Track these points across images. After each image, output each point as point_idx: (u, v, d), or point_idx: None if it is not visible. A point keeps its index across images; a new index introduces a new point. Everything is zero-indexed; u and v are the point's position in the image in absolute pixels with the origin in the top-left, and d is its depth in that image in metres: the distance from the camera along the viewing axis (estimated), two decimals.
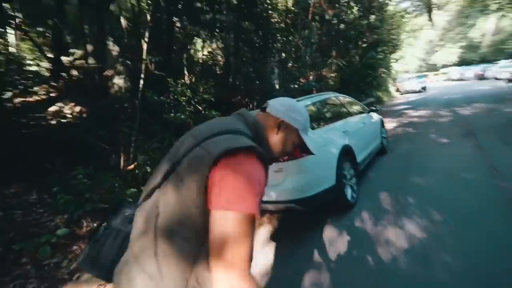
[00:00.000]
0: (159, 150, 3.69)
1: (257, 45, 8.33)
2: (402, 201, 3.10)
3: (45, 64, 4.89)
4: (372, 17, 12.93)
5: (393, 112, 11.15)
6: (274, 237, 2.84)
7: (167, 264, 0.66)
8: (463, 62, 34.97)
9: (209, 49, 9.53)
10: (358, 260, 2.23)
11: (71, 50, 6.44)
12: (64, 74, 4.85)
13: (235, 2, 7.39)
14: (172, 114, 3.95)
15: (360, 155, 3.64)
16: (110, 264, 0.79)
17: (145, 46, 3.92)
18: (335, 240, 2.57)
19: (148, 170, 3.44)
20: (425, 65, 44.62)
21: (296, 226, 3.01)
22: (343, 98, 4.39)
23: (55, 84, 4.65)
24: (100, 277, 0.83)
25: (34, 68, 4.71)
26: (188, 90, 4.29)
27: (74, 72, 5.35)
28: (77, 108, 4.40)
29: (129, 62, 4.65)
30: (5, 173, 2.87)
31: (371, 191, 3.50)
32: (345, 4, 11.09)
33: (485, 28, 31.73)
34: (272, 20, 8.63)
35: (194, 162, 0.68)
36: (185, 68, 6.23)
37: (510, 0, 20.03)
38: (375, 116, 4.93)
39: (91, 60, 4.84)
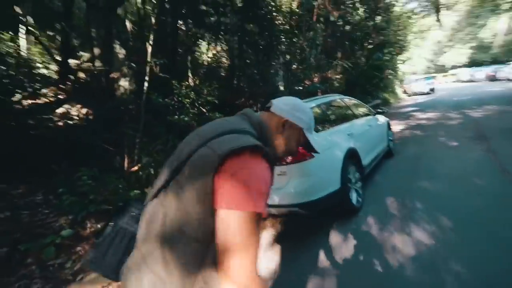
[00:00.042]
0: (163, 152, 3.71)
1: (261, 47, 8.33)
2: (409, 206, 3.02)
3: (54, 67, 4.98)
4: (378, 18, 12.80)
5: (400, 114, 10.99)
6: (277, 241, 2.80)
7: (174, 264, 0.66)
8: (473, 63, 34.31)
9: (214, 52, 9.58)
10: (363, 266, 2.18)
11: (80, 53, 6.58)
12: (71, 76, 4.93)
13: (239, 4, 7.41)
14: (176, 116, 3.97)
15: (365, 158, 3.59)
16: (117, 264, 0.80)
17: (149, 49, 3.96)
18: (339, 245, 2.53)
19: (152, 172, 3.46)
20: (433, 67, 43.95)
21: (299, 230, 2.97)
22: (349, 100, 4.34)
23: (63, 87, 4.73)
24: (107, 277, 0.84)
25: (43, 71, 4.81)
26: (192, 92, 4.31)
27: (82, 75, 5.44)
28: (84, 110, 4.47)
29: (133, 65, 4.70)
30: (13, 173, 2.92)
31: (377, 195, 3.43)
32: (351, 5, 11.01)
33: (497, 28, 31.06)
34: (276, 22, 8.62)
35: (200, 162, 0.68)
36: (189, 71, 6.27)
37: None
38: (381, 119, 4.86)
39: (98, 63, 4.91)
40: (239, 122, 0.82)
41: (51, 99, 4.38)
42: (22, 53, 4.56)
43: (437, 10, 13.50)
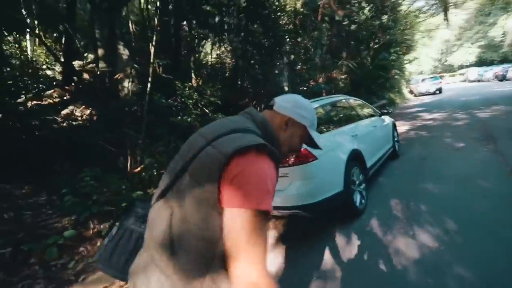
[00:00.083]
0: (165, 153, 3.71)
1: (265, 47, 8.30)
2: (414, 209, 2.97)
3: (59, 68, 5.04)
4: (385, 17, 12.65)
5: (406, 114, 10.85)
6: (279, 243, 2.78)
7: (183, 263, 0.67)
8: (481, 62, 33.71)
9: (218, 52, 9.59)
10: (366, 269, 2.16)
11: (85, 54, 6.64)
12: (75, 78, 4.98)
13: (243, 4, 7.40)
14: (179, 117, 3.97)
15: (370, 159, 3.54)
16: (124, 264, 0.82)
17: (152, 50, 3.97)
18: (342, 247, 2.50)
19: (155, 173, 3.46)
20: (440, 66, 43.33)
21: (302, 232, 2.94)
22: (353, 101, 4.29)
23: (68, 88, 4.78)
24: (115, 276, 0.85)
25: (48, 72, 4.87)
26: (195, 93, 4.31)
27: (86, 76, 5.49)
28: (88, 111, 4.51)
29: (136, 66, 4.72)
30: (16, 174, 2.95)
31: (381, 197, 3.38)
32: (356, 4, 10.90)
33: (507, 26, 30.41)
34: (280, 22, 8.58)
35: (206, 162, 0.68)
36: (192, 71, 6.28)
37: None
38: (387, 119, 4.79)
39: (102, 64, 4.95)
40: (242, 121, 0.83)
41: (55, 100, 4.43)
42: (27, 55, 4.62)
43: (445, 9, 13.27)
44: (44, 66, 4.75)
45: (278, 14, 8.75)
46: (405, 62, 18.52)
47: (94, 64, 5.53)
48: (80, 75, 5.35)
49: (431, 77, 21.12)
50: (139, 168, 3.52)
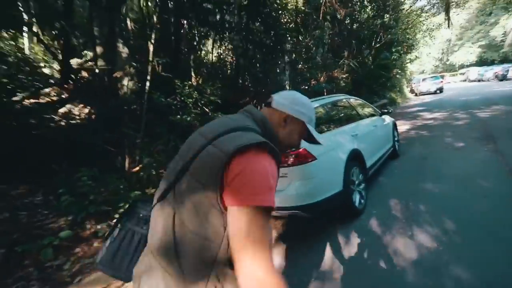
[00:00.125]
0: (164, 152, 3.68)
1: (266, 46, 8.25)
2: (413, 209, 2.95)
3: (57, 66, 5.00)
4: (386, 16, 12.57)
5: (407, 114, 10.83)
6: (278, 243, 2.76)
7: (187, 262, 0.67)
8: (482, 62, 33.62)
9: (219, 51, 9.53)
10: (365, 269, 2.14)
11: (83, 52, 6.59)
12: (72, 76, 4.93)
13: (244, 2, 7.35)
14: (179, 116, 3.93)
15: (370, 159, 3.51)
16: (127, 265, 0.83)
17: (151, 48, 3.93)
18: (341, 248, 2.48)
19: (153, 173, 3.43)
20: (441, 66, 43.23)
21: (301, 232, 2.92)
22: (354, 101, 4.25)
23: (66, 86, 4.74)
24: (118, 278, 0.86)
25: (47, 70, 4.82)
26: (195, 92, 4.27)
27: (85, 74, 5.45)
28: (86, 110, 4.47)
29: (135, 64, 4.68)
30: (13, 173, 2.92)
31: (381, 197, 3.36)
32: (358, 3, 10.83)
33: (508, 26, 30.28)
34: (281, 20, 8.52)
35: (207, 161, 0.68)
36: (192, 70, 6.24)
37: None
38: (387, 119, 4.76)
39: (100, 62, 4.90)
40: (242, 120, 0.83)
41: (53, 98, 4.39)
42: (24, 52, 4.58)
43: (447, 8, 13.18)
44: (42, 64, 4.70)
45: (280, 12, 8.69)
46: (406, 61, 18.44)
47: (93, 62, 5.48)
48: (79, 73, 5.30)
49: (432, 77, 21.09)
50: (137, 168, 3.49)
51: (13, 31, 4.23)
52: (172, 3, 6.08)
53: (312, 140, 0.97)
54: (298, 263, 2.37)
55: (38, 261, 2.25)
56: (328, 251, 2.46)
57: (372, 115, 4.40)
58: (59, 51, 5.14)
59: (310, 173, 2.52)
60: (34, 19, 4.65)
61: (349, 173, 2.89)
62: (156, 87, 4.20)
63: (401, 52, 14.67)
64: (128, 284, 2.22)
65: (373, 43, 12.29)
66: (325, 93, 8.33)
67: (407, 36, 15.29)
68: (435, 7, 15.75)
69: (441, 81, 19.90)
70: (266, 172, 0.67)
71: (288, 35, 8.84)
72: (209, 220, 0.67)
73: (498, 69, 22.72)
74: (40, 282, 2.14)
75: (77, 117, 4.26)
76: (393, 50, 13.48)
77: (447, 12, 13.13)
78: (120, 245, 0.86)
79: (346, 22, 11.14)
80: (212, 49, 8.94)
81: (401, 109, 12.91)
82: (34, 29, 4.73)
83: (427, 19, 16.63)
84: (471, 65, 34.25)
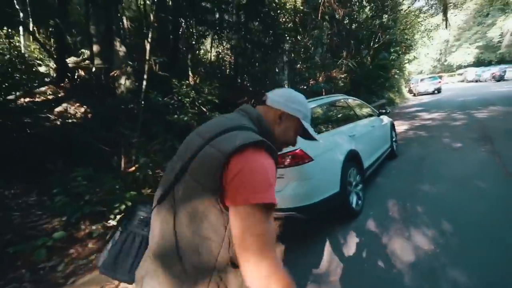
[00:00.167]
0: (161, 152, 3.64)
1: (265, 45, 8.23)
2: (411, 210, 2.94)
3: (53, 64, 4.94)
4: (385, 16, 12.58)
5: (405, 114, 10.85)
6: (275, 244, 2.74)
7: (189, 262, 0.68)
8: (480, 62, 33.79)
9: (218, 50, 9.50)
10: (361, 271, 2.12)
11: (81, 51, 6.54)
12: (69, 74, 4.88)
13: (243, 1, 7.31)
14: (176, 116, 3.90)
15: (367, 160, 3.50)
16: (130, 267, 0.83)
17: (148, 47, 3.89)
18: (338, 249, 2.47)
19: (149, 173, 3.40)
20: (439, 66, 43.40)
21: (297, 234, 2.90)
22: (352, 101, 4.24)
23: (63, 85, 4.69)
24: (121, 280, 0.86)
25: (42, 68, 4.77)
26: (193, 91, 4.23)
27: (82, 73, 5.40)
28: (82, 109, 4.42)
29: (131, 63, 4.63)
30: (7, 173, 2.88)
31: (378, 198, 3.35)
32: (357, 3, 10.83)
33: (505, 27, 30.43)
34: (280, 20, 8.50)
35: (205, 161, 0.68)
36: (189, 69, 6.20)
37: None
38: (385, 119, 4.75)
39: (97, 61, 4.86)
40: (238, 119, 0.83)
41: (49, 97, 4.35)
42: (21, 50, 4.52)
43: (445, 9, 13.21)
44: (38, 62, 4.65)
45: (278, 11, 8.67)
46: (404, 61, 18.49)
47: (90, 61, 5.43)
48: (75, 71, 5.25)
49: (430, 77, 21.16)
50: (133, 168, 3.45)
51: (10, 30, 4.17)
52: (170, 1, 6.04)
53: (308, 137, 0.97)
54: (294, 264, 2.35)
55: (31, 262, 2.22)
56: (325, 253, 2.44)
57: (370, 115, 4.39)
58: (54, 49, 5.08)
59: (306, 174, 2.51)
60: (30, 18, 4.59)
61: (346, 174, 2.87)
62: (153, 86, 4.17)
63: (400, 52, 14.71)
64: (126, 285, 2.20)
65: (371, 43, 12.30)
66: (324, 93, 8.32)
67: (406, 37, 15.32)
68: (433, 7, 15.80)
69: (439, 82, 19.97)
70: (265, 169, 0.67)
71: (286, 35, 8.82)
72: (209, 220, 0.67)
73: (496, 70, 22.83)
74: (33, 283, 2.11)
75: (73, 116, 4.22)
76: (392, 50, 13.50)
77: (445, 13, 13.17)
78: (122, 248, 0.86)
79: (345, 22, 11.13)
80: (211, 48, 8.91)
81: (400, 109, 12.94)
82: (31, 27, 4.67)
83: (425, 19, 16.68)
84: (468, 65, 34.42)
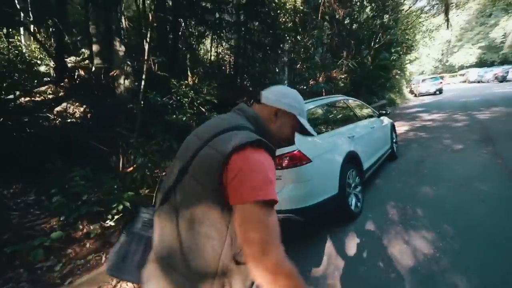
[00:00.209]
0: (159, 152, 3.63)
1: (265, 45, 8.21)
2: (411, 213, 2.92)
3: (53, 64, 4.94)
4: (386, 16, 12.53)
5: (406, 115, 10.81)
6: None
7: (193, 261, 0.69)
8: (482, 63, 33.64)
9: (218, 50, 9.49)
10: (360, 275, 2.11)
11: (81, 50, 6.54)
12: (68, 74, 4.89)
13: (242, 1, 7.30)
14: (175, 116, 3.89)
15: (367, 161, 3.48)
16: (136, 267, 0.85)
17: (147, 47, 3.89)
18: (335, 252, 2.45)
19: (147, 173, 3.39)
20: (441, 67, 43.24)
21: (295, 237, 2.88)
22: (352, 102, 4.23)
23: (62, 84, 4.70)
24: (129, 280, 0.89)
25: (42, 68, 4.77)
26: (191, 91, 4.22)
27: (81, 72, 5.40)
28: (82, 109, 4.43)
29: (129, 63, 4.63)
30: (6, 172, 2.88)
31: (378, 200, 3.33)
32: (357, 3, 10.79)
33: (508, 28, 30.26)
34: (280, 20, 8.48)
35: (205, 162, 0.70)
36: (188, 69, 6.19)
37: None
38: (385, 120, 4.73)
39: (97, 60, 4.86)
40: (235, 118, 0.84)
41: (49, 96, 4.35)
42: (20, 50, 4.52)
43: (446, 9, 13.15)
44: (38, 62, 4.65)
45: (278, 12, 8.65)
46: (406, 62, 18.43)
47: (89, 60, 5.44)
48: (75, 71, 5.26)
49: (431, 78, 21.09)
50: (131, 168, 3.45)
51: (10, 30, 4.17)
52: (169, 1, 6.03)
53: (306, 132, 0.98)
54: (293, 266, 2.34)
55: (29, 262, 2.22)
56: (323, 255, 2.43)
57: (370, 116, 4.37)
58: (53, 49, 5.08)
59: (304, 175, 2.49)
60: (31, 18, 4.60)
61: (345, 176, 2.85)
62: (152, 86, 4.16)
63: (401, 52, 14.65)
64: (125, 286, 2.20)
65: (372, 44, 12.25)
66: (324, 94, 8.29)
67: (407, 37, 15.25)
68: (434, 8, 15.72)
69: (441, 82, 19.89)
70: (264, 167, 0.68)
71: (286, 35, 8.81)
72: (210, 219, 0.68)
73: (498, 70, 22.74)
74: (30, 283, 2.11)
75: (72, 116, 4.22)
76: (393, 50, 13.45)
77: (446, 13, 13.11)
78: (128, 250, 0.88)
79: (345, 22, 11.09)
80: (211, 48, 8.90)
81: (400, 110, 12.90)
82: (30, 27, 4.67)
83: (426, 20, 16.61)
84: (470, 66, 34.29)
